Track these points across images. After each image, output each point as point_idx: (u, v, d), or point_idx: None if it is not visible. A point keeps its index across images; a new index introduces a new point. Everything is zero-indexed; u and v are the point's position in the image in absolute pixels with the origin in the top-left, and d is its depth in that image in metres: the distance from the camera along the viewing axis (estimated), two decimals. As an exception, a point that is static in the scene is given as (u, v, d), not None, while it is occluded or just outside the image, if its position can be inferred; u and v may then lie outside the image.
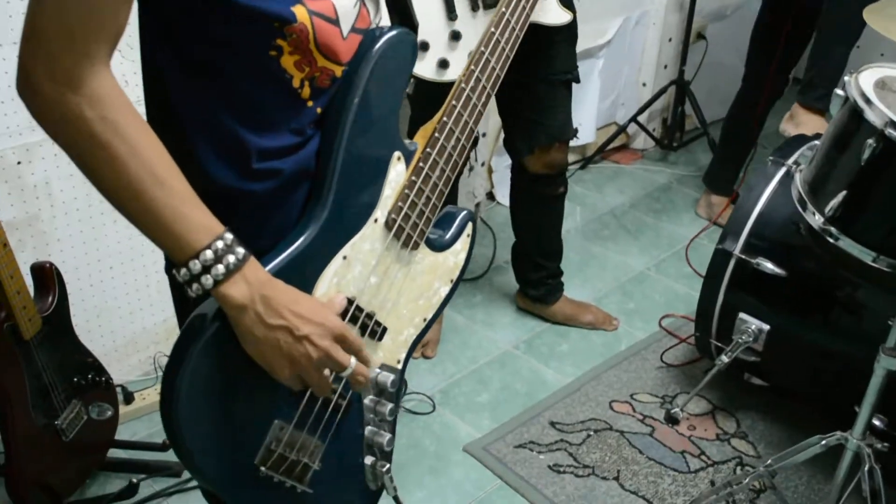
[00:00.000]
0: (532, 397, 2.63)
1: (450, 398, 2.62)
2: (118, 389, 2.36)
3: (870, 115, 1.91)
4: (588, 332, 2.92)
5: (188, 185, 1.05)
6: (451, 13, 2.20)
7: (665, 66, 4.12)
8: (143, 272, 2.51)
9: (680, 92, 3.99)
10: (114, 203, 1.03)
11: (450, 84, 1.34)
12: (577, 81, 2.61)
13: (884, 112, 1.89)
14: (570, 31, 2.46)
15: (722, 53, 4.24)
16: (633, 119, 4.01)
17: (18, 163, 2.19)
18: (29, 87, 0.98)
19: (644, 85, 4.14)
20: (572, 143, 3.84)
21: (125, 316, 2.54)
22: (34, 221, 2.26)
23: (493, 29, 1.34)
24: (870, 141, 1.90)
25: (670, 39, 4.07)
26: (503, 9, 1.36)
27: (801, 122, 2.98)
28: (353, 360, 1.15)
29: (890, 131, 1.86)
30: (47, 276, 2.03)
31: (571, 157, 3.95)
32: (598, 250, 3.40)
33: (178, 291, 1.16)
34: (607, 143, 4.04)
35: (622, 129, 4.07)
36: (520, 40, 1.39)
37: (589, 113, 3.85)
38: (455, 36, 2.22)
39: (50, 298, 2.02)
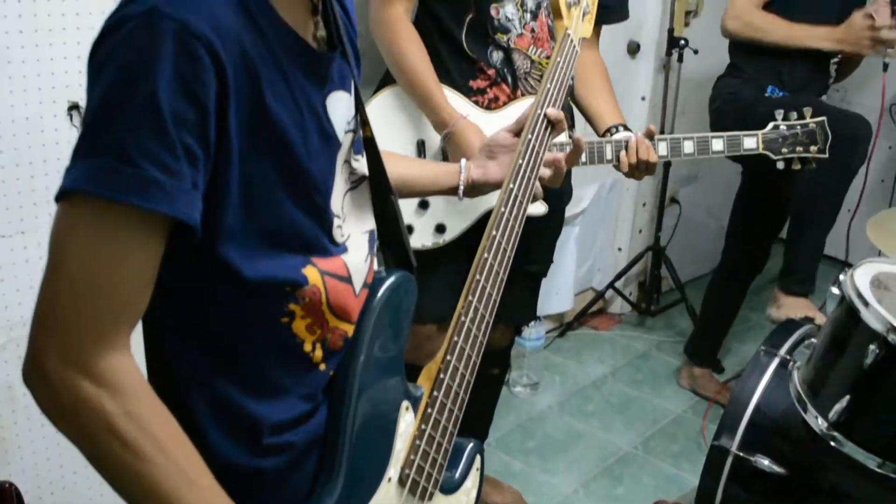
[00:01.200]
0: None
1: None
2: None
3: (869, 319, 1.87)
4: (577, 523, 2.79)
5: (213, 478, 0.96)
6: None
7: (640, 231, 4.13)
8: (108, 475, 2.36)
9: (656, 257, 3.98)
10: (131, 502, 0.93)
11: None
12: (544, 276, 2.56)
13: (884, 316, 1.84)
14: (553, 223, 2.42)
15: (695, 214, 4.27)
16: (611, 285, 3.98)
17: (-21, 367, 2.08)
18: (40, 375, 0.89)
19: (620, 250, 4.13)
20: (550, 311, 3.83)
21: (87, 523, 2.37)
22: (-7, 428, 2.13)
23: (485, 254, 1.30)
24: (872, 347, 1.84)
25: (644, 204, 4.09)
26: (494, 231, 1.31)
27: (783, 305, 2.96)
28: None
29: (893, 337, 1.81)
30: (6, 499, 1.89)
31: (549, 325, 3.89)
32: (582, 427, 3.29)
33: None
34: (585, 309, 3.99)
35: (600, 296, 4.02)
36: (511, 261, 1.35)
37: (566, 280, 3.81)
38: (423, 205, 2.21)
39: (7, 524, 1.87)
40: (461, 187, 1.50)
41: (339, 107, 1.07)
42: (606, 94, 2.39)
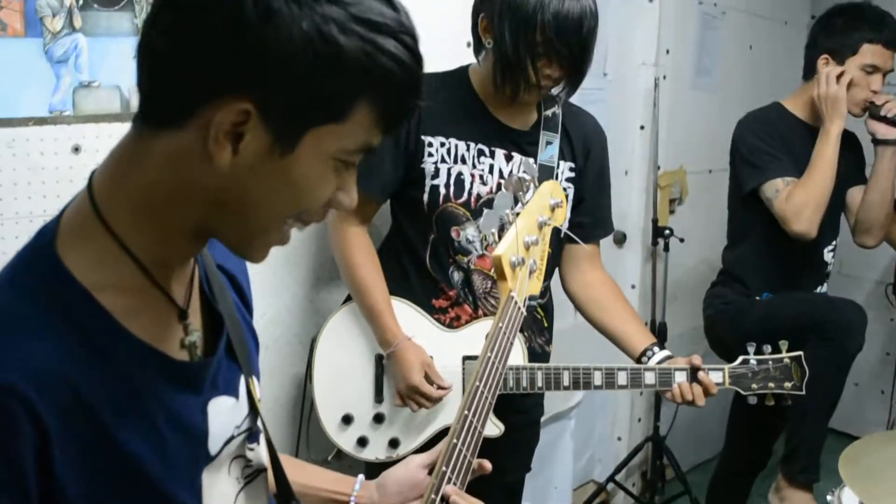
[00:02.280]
0: None
1: None
2: None
3: (861, 545, 1.78)
4: None
5: None
6: (378, 396, 2.21)
7: (639, 420, 4.04)
8: None
9: (656, 447, 3.87)
10: None
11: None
12: (521, 484, 2.46)
13: (876, 541, 1.76)
14: (528, 435, 2.35)
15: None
16: (611, 478, 3.86)
17: None
18: None
19: (619, 439, 4.03)
20: (549, 508, 3.69)
21: None
22: None
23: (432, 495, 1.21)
24: (866, 574, 1.75)
25: (641, 393, 4.01)
26: (444, 466, 1.24)
27: (785, 496, 2.85)
28: None
29: (886, 565, 1.72)
30: None
31: (550, 523, 3.75)
32: None
33: None
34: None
35: (601, 489, 3.89)
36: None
37: (563, 475, 3.69)
38: (378, 418, 2.21)
39: None
40: None
41: (222, 413, 1.03)
42: (627, 314, 2.38)
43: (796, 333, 2.69)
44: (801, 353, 2.23)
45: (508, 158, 2.15)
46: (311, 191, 0.92)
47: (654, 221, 3.69)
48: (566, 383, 2.15)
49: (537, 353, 2.24)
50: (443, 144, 2.10)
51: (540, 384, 2.15)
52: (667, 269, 3.75)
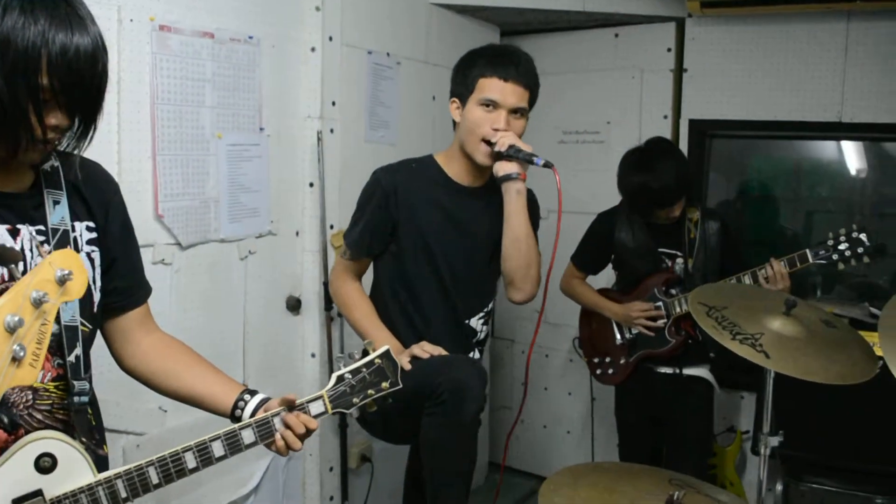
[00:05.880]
0: None
1: None
2: None
3: None
4: None
5: None
6: None
7: (331, 498, 3.74)
8: None
9: (347, 528, 3.60)
10: None
11: None
12: None
13: None
14: None
15: (392, 471, 3.93)
16: (299, 568, 3.54)
17: None
18: None
19: (314, 521, 3.72)
20: None
21: None
22: None
23: None
24: None
25: (331, 469, 3.72)
26: None
27: None
28: None
29: None
30: None
31: None
32: None
33: None
34: None
35: (289, 582, 3.57)
36: None
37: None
38: None
39: None
40: None
41: None
42: (202, 369, 2.03)
43: (418, 402, 2.43)
44: (388, 347, 2.05)
45: (14, 233, 1.71)
46: None
47: (326, 285, 3.44)
48: (155, 481, 1.79)
49: (101, 459, 1.85)
50: None
51: (124, 494, 1.78)
52: (343, 336, 3.50)
